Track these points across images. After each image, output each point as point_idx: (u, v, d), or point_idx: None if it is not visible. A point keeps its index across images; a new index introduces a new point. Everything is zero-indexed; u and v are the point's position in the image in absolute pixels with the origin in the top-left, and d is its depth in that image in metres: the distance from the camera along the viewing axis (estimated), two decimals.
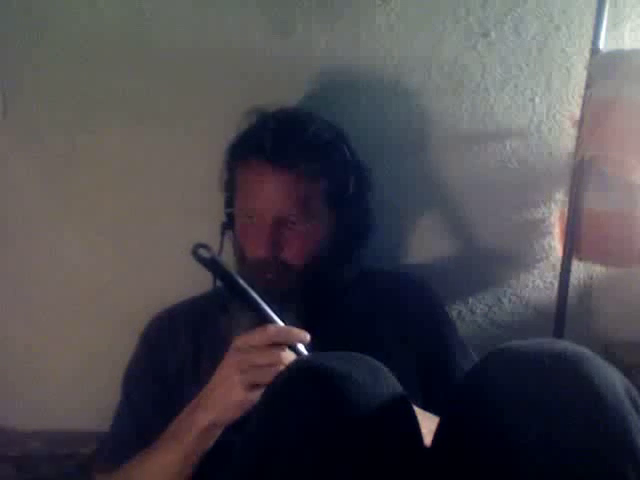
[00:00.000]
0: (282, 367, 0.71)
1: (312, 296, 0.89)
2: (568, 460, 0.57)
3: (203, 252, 0.74)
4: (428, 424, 0.71)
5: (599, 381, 0.59)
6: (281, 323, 0.75)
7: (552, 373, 0.60)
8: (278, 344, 0.74)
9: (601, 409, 0.58)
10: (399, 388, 0.66)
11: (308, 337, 0.75)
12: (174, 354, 0.93)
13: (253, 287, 0.81)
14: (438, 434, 0.68)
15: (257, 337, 0.74)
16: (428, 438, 0.69)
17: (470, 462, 0.62)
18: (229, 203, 0.97)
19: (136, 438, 0.86)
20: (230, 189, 0.97)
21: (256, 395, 0.71)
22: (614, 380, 0.60)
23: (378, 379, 0.64)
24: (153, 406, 0.91)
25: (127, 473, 0.85)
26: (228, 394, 0.75)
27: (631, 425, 0.58)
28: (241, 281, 0.75)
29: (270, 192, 0.88)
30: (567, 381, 0.60)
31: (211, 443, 0.78)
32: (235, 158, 0.94)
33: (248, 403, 0.73)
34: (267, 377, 0.70)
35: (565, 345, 0.64)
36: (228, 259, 0.96)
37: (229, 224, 0.96)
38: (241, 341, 0.75)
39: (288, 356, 0.73)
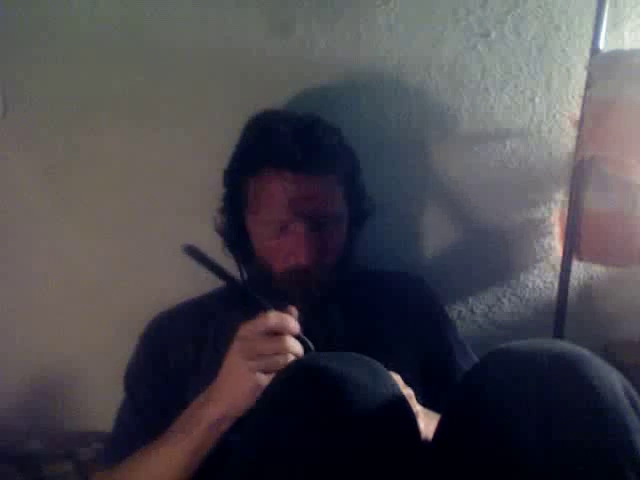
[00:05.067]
0: (290, 356, 0.71)
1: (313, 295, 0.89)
2: (567, 460, 0.58)
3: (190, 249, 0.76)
4: (428, 422, 0.71)
5: (598, 381, 0.59)
6: (272, 310, 0.74)
7: (551, 373, 0.61)
8: (280, 332, 0.72)
9: (600, 409, 0.58)
10: (398, 389, 0.66)
11: (297, 328, 0.74)
12: (175, 353, 0.93)
13: (286, 298, 0.81)
14: (438, 434, 0.69)
15: (258, 324, 0.73)
16: (429, 435, 0.69)
17: (469, 462, 0.62)
18: (235, 222, 0.93)
19: (139, 438, 0.85)
20: (236, 207, 0.93)
21: (266, 380, 0.69)
22: (613, 380, 0.61)
23: (377, 379, 0.64)
24: (156, 405, 0.90)
25: (132, 466, 0.83)
26: (238, 382, 0.73)
27: (630, 425, 0.58)
28: (225, 269, 0.78)
29: (303, 199, 0.86)
30: (566, 381, 0.60)
31: (218, 437, 0.77)
32: (250, 172, 0.89)
33: (258, 389, 0.70)
34: (275, 365, 0.70)
35: (564, 345, 0.64)
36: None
37: (242, 245, 0.93)
38: (244, 330, 0.74)
39: (294, 344, 0.72)
